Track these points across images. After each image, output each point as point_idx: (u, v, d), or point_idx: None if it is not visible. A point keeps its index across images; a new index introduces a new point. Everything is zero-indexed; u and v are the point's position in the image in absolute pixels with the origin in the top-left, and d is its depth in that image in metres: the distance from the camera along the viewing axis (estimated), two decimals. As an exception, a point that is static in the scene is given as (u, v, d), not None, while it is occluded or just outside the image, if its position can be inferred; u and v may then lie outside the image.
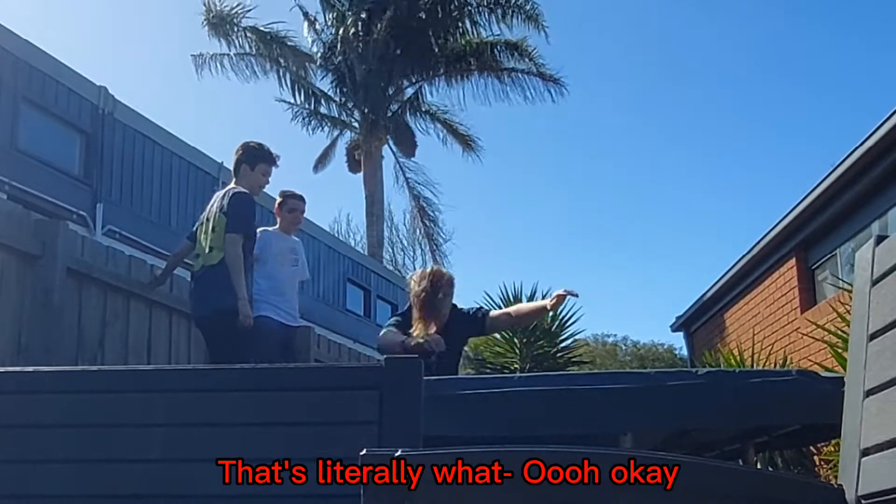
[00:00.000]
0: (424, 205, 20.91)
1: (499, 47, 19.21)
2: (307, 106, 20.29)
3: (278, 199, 6.01)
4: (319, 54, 19.87)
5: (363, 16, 18.81)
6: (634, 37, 49.72)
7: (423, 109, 20.59)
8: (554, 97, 19.38)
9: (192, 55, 18.94)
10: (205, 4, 18.26)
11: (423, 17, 18.96)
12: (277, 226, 5.94)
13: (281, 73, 19.55)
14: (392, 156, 21.28)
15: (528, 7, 18.46)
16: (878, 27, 45.72)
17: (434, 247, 21.05)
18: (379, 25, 18.34)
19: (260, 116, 44.07)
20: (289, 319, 5.65)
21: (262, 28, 18.81)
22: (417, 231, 21.52)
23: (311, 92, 20.18)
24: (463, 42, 19.33)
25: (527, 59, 19.09)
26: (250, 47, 18.93)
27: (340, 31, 19.32)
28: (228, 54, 19.08)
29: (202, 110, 42.95)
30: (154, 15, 39.64)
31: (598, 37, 49.03)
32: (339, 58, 19.64)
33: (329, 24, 19.85)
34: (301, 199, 6.03)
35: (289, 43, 19.21)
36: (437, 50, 19.24)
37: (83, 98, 12.84)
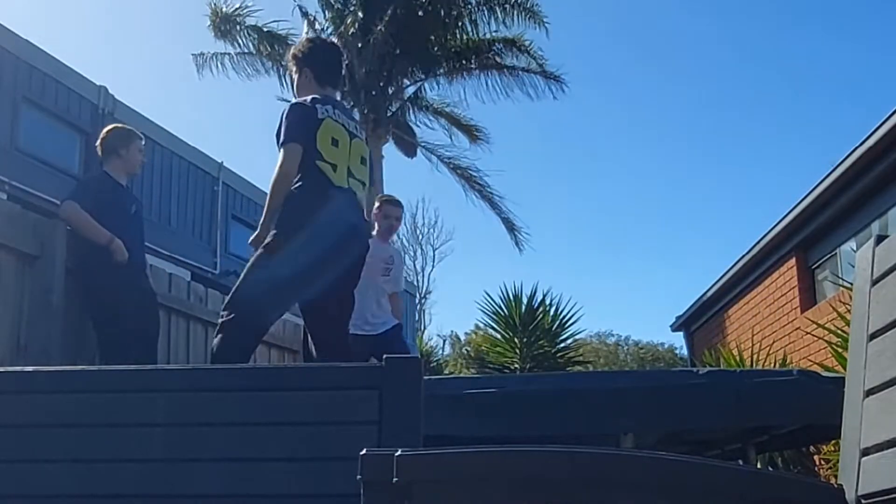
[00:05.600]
0: (471, 173, 20.51)
1: (497, 44, 19.20)
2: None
3: (376, 204, 5.83)
4: None
5: (360, 15, 18.82)
6: (635, 37, 49.74)
7: (424, 105, 20.55)
8: (555, 94, 19.43)
9: (192, 54, 18.99)
10: (210, 7, 18.33)
11: (422, 15, 18.96)
12: (375, 232, 5.70)
13: (282, 73, 19.59)
14: (412, 146, 21.17)
15: (527, 4, 18.48)
16: (878, 27, 45.73)
17: (498, 211, 20.61)
18: (378, 25, 18.35)
19: (260, 117, 44.09)
20: (367, 330, 5.39)
21: (263, 28, 18.90)
22: (469, 197, 20.86)
23: (310, 91, 20.21)
24: (463, 39, 19.33)
25: (526, 55, 19.08)
26: (253, 46, 18.99)
27: (339, 31, 19.35)
28: (229, 54, 19.15)
29: (202, 110, 42.95)
30: (154, 15, 39.64)
31: (599, 37, 49.06)
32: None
33: (328, 24, 19.89)
34: (398, 204, 5.88)
35: (290, 42, 19.26)
36: (437, 49, 19.25)
37: (83, 98, 12.85)
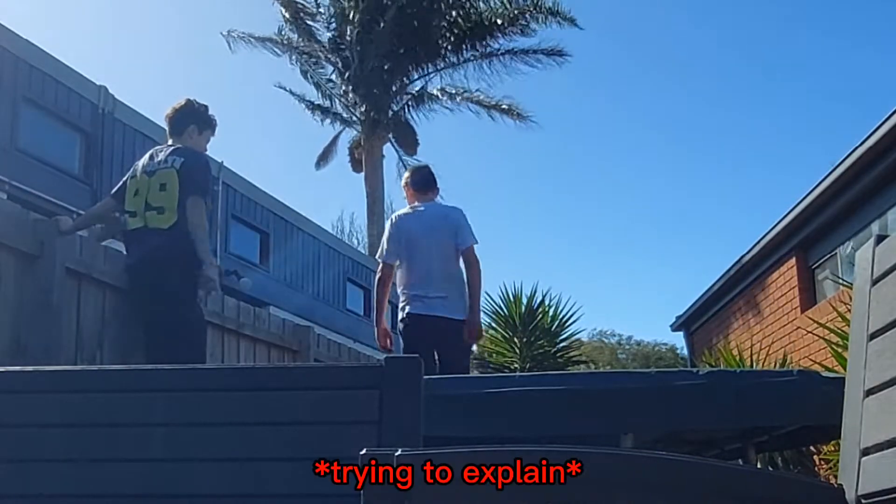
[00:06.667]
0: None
1: (505, 24, 19.24)
2: (312, 100, 20.41)
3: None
4: (325, 47, 20.01)
5: (365, 16, 18.83)
6: (635, 37, 49.73)
7: (447, 94, 20.55)
8: (560, 68, 19.62)
9: (221, 33, 19.52)
10: None
11: (426, 7, 18.99)
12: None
13: (293, 61, 19.81)
14: (397, 156, 21.25)
15: None
16: (878, 27, 45.73)
17: None
18: (381, 24, 18.37)
19: (259, 117, 44.08)
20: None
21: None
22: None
23: (317, 85, 20.34)
24: (470, 23, 19.39)
25: (554, 17, 19.07)
26: (283, 22, 19.43)
27: (343, 27, 19.46)
28: (254, 35, 19.50)
29: (202, 110, 42.89)
30: (154, 15, 39.65)
31: (599, 37, 49.02)
32: (341, 53, 19.73)
33: (333, 18, 19.96)
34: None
35: (312, 28, 19.54)
36: (441, 40, 19.30)
37: (83, 98, 12.85)
